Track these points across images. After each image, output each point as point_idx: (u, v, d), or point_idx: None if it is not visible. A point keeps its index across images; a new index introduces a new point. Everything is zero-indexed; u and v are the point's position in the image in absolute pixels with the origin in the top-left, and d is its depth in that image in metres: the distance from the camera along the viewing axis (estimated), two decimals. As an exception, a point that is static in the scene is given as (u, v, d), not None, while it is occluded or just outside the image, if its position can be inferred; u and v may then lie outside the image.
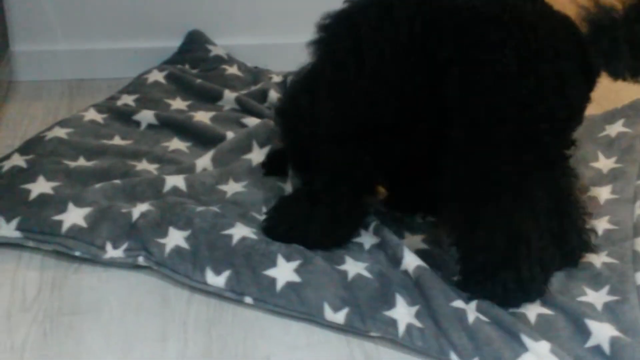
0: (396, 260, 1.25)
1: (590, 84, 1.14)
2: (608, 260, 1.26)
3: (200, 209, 1.32)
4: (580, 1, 1.10)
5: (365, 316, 1.15)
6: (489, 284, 1.17)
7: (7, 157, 1.49)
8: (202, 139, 1.63)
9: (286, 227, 1.29)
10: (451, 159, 1.16)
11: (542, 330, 1.13)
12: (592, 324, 1.12)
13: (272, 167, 1.49)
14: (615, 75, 1.10)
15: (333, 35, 1.25)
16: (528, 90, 1.09)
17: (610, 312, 1.16)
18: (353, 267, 1.23)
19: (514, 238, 1.15)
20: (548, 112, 1.11)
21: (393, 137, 1.25)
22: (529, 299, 1.17)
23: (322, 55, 1.28)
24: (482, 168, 1.14)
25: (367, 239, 1.32)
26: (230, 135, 1.60)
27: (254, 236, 1.26)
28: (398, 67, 1.19)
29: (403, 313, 1.15)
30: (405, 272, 1.22)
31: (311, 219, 1.28)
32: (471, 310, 1.14)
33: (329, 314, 1.15)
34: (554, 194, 1.21)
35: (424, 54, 1.17)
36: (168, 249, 1.25)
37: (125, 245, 1.27)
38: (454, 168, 1.16)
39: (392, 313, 1.15)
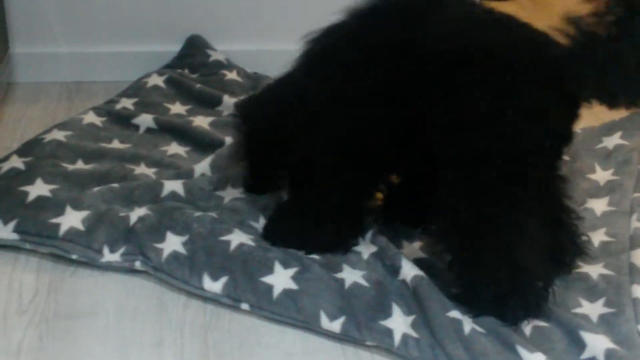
0: (394, 270, 1.25)
1: (574, 108, 1.12)
2: (604, 272, 1.27)
3: (198, 214, 1.32)
4: (558, 25, 1.08)
5: (361, 325, 1.15)
6: (497, 311, 1.16)
7: (5, 158, 1.49)
8: (201, 144, 1.63)
9: (287, 233, 1.29)
10: (443, 196, 1.17)
11: (537, 342, 1.13)
12: (588, 336, 1.12)
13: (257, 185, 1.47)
14: (607, 102, 1.08)
15: (307, 72, 1.27)
16: (510, 127, 1.09)
17: (606, 324, 1.16)
18: (350, 275, 1.23)
19: (517, 270, 1.14)
20: (533, 145, 1.10)
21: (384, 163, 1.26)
22: (536, 317, 1.18)
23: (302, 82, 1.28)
24: (475, 205, 1.14)
25: (365, 248, 1.32)
26: (229, 140, 1.60)
27: (251, 243, 1.26)
28: (374, 114, 1.20)
29: (399, 323, 1.15)
30: (403, 281, 1.22)
31: (311, 226, 1.28)
32: (467, 321, 1.14)
33: (325, 322, 1.15)
34: (547, 209, 1.21)
35: (401, 101, 1.17)
36: (165, 254, 1.25)
37: (122, 250, 1.27)
38: (447, 205, 1.16)
39: (388, 322, 1.15)
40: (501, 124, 1.09)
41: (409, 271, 1.22)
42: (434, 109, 1.14)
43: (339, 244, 1.30)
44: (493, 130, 1.10)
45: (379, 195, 1.40)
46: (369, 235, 1.33)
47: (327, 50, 1.25)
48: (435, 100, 1.14)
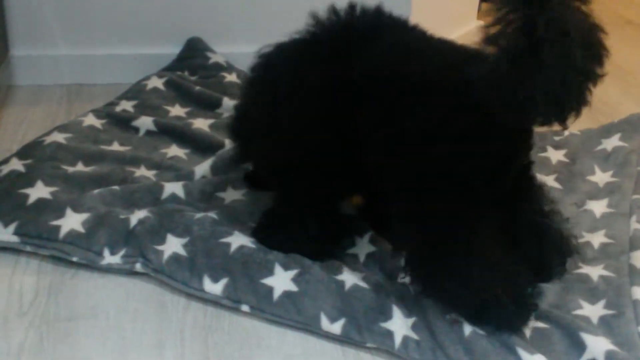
0: (393, 272, 1.25)
1: (518, 130, 1.11)
2: (604, 273, 1.27)
3: (198, 216, 1.33)
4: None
5: (362, 327, 1.15)
6: (479, 323, 1.15)
7: (6, 161, 1.49)
8: (201, 146, 1.63)
9: (272, 242, 1.28)
10: (395, 220, 1.17)
11: (537, 343, 1.13)
12: (588, 338, 1.12)
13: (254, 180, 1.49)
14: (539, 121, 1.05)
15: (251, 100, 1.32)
16: (449, 153, 1.09)
17: (606, 326, 1.17)
18: (350, 277, 1.23)
19: (475, 293, 1.13)
20: (475, 169, 1.10)
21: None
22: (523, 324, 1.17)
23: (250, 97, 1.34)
24: (421, 231, 1.14)
25: (362, 249, 1.32)
26: (228, 143, 1.61)
27: (251, 245, 1.27)
28: (313, 141, 1.22)
29: (399, 325, 1.15)
30: (403, 283, 1.22)
31: (289, 234, 1.28)
32: (466, 323, 1.14)
33: (326, 324, 1.16)
34: (523, 218, 1.21)
35: (342, 122, 1.19)
36: (166, 255, 1.25)
37: (122, 252, 1.27)
38: (400, 229, 1.17)
39: (388, 325, 1.15)
40: (434, 150, 1.10)
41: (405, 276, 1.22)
42: (372, 136, 1.16)
43: (318, 251, 1.28)
44: (427, 157, 1.11)
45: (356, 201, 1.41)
46: (366, 236, 1.33)
47: (266, 78, 1.28)
48: (372, 128, 1.16)
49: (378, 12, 1.27)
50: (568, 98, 1.00)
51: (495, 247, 1.14)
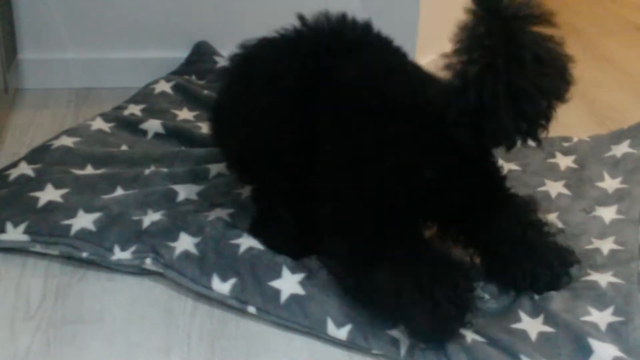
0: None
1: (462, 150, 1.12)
2: (613, 280, 1.26)
3: (211, 218, 1.33)
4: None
5: (368, 334, 1.14)
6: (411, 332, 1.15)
7: (14, 165, 1.49)
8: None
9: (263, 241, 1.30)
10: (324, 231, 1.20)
11: (542, 348, 1.13)
12: (595, 343, 1.11)
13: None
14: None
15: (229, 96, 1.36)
16: (387, 173, 1.13)
17: (614, 333, 1.16)
18: (357, 282, 1.23)
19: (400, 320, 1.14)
20: (412, 191, 1.13)
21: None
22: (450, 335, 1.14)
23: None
24: (355, 243, 1.16)
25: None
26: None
27: (260, 247, 1.27)
28: (284, 130, 1.25)
29: (405, 332, 1.14)
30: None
31: (275, 233, 1.30)
32: (468, 332, 1.14)
33: (332, 329, 1.15)
34: (496, 231, 1.22)
35: (307, 123, 1.23)
36: (177, 252, 1.25)
37: (133, 248, 1.27)
38: (331, 243, 1.20)
39: (394, 332, 1.14)
40: (380, 169, 1.14)
41: None
42: (327, 144, 1.20)
43: (301, 251, 1.29)
44: (371, 174, 1.14)
45: None
46: None
47: (244, 69, 1.32)
48: (328, 136, 1.20)
49: (367, 27, 1.32)
50: (535, 122, 1.06)
51: (418, 257, 1.14)
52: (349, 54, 1.25)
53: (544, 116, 1.06)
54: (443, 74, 1.09)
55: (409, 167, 1.13)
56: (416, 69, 1.27)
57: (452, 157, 1.13)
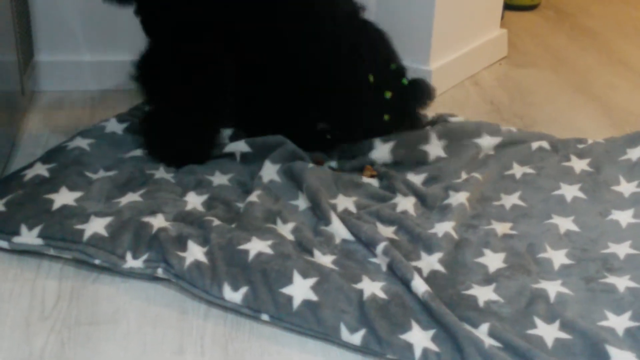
0: (406, 284, 1.24)
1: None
2: (631, 284, 1.25)
3: (217, 223, 1.33)
4: None
5: (382, 339, 1.14)
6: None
7: (30, 165, 1.50)
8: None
9: (158, 147, 1.45)
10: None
11: (559, 354, 1.12)
12: (613, 350, 1.10)
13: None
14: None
15: None
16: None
17: (632, 338, 1.15)
18: (369, 286, 1.22)
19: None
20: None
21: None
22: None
23: None
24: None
25: (381, 260, 1.31)
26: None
27: (269, 251, 1.26)
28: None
29: (419, 337, 1.14)
30: (423, 295, 1.21)
31: (177, 131, 1.48)
32: (484, 335, 1.13)
33: (346, 335, 1.15)
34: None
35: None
36: (188, 262, 1.25)
37: (145, 256, 1.27)
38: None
39: (408, 336, 1.14)
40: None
41: (418, 287, 1.21)
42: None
43: (199, 153, 1.46)
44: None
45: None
46: (381, 247, 1.32)
47: None
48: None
49: None
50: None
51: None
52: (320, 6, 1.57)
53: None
54: None
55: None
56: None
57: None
